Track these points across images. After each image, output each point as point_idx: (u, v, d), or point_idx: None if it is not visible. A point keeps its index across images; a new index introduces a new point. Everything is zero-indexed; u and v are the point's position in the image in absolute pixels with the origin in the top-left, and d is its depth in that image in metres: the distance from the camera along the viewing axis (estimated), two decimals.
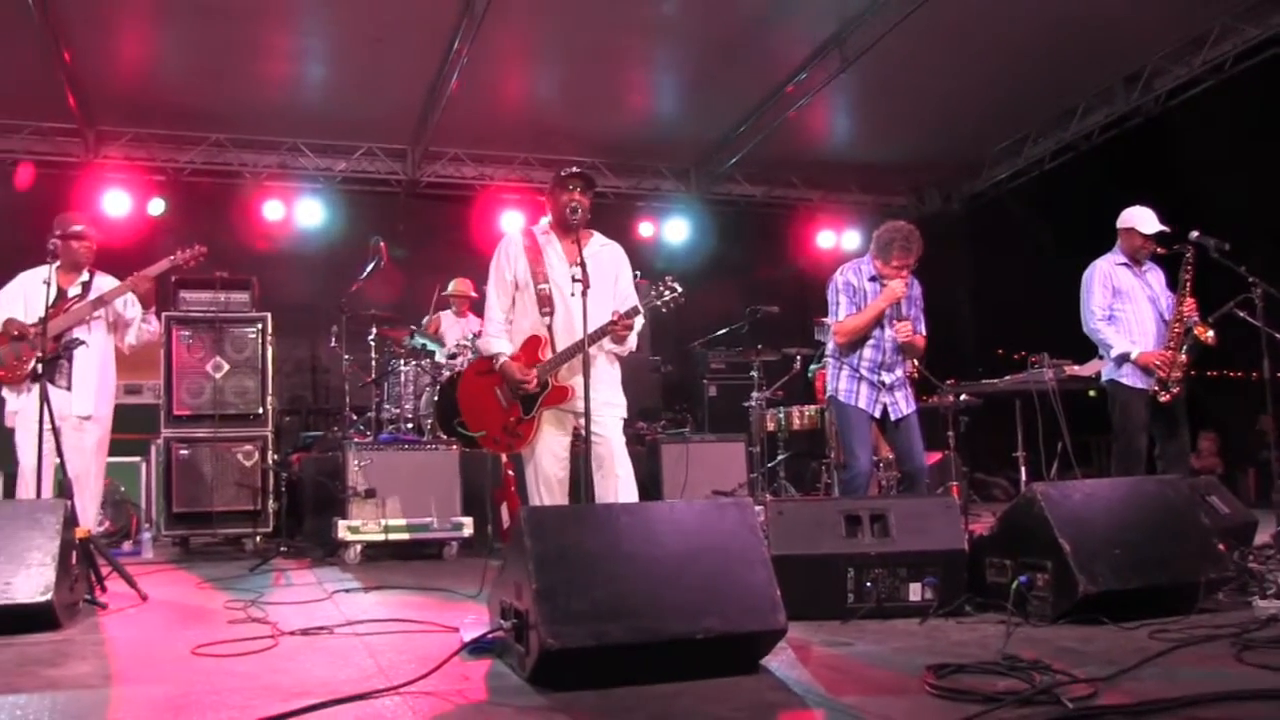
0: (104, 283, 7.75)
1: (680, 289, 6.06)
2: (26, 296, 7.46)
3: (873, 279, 7.28)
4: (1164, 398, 7.56)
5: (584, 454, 6.00)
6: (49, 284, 6.93)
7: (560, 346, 6.14)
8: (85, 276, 7.71)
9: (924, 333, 7.41)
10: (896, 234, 7.16)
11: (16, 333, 7.29)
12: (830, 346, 7.49)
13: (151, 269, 7.69)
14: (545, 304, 6.21)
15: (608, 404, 6.14)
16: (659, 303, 6.07)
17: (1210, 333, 7.54)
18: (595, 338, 5.86)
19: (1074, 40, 11.75)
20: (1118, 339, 7.74)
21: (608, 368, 6.29)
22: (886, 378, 7.25)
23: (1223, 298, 7.65)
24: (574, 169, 6.30)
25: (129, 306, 7.77)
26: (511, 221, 14.45)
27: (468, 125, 13.70)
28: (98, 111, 13.03)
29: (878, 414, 7.26)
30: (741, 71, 12.46)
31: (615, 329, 5.98)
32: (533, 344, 6.24)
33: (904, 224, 7.28)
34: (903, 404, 7.29)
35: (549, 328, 6.19)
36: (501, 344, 6.34)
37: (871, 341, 7.26)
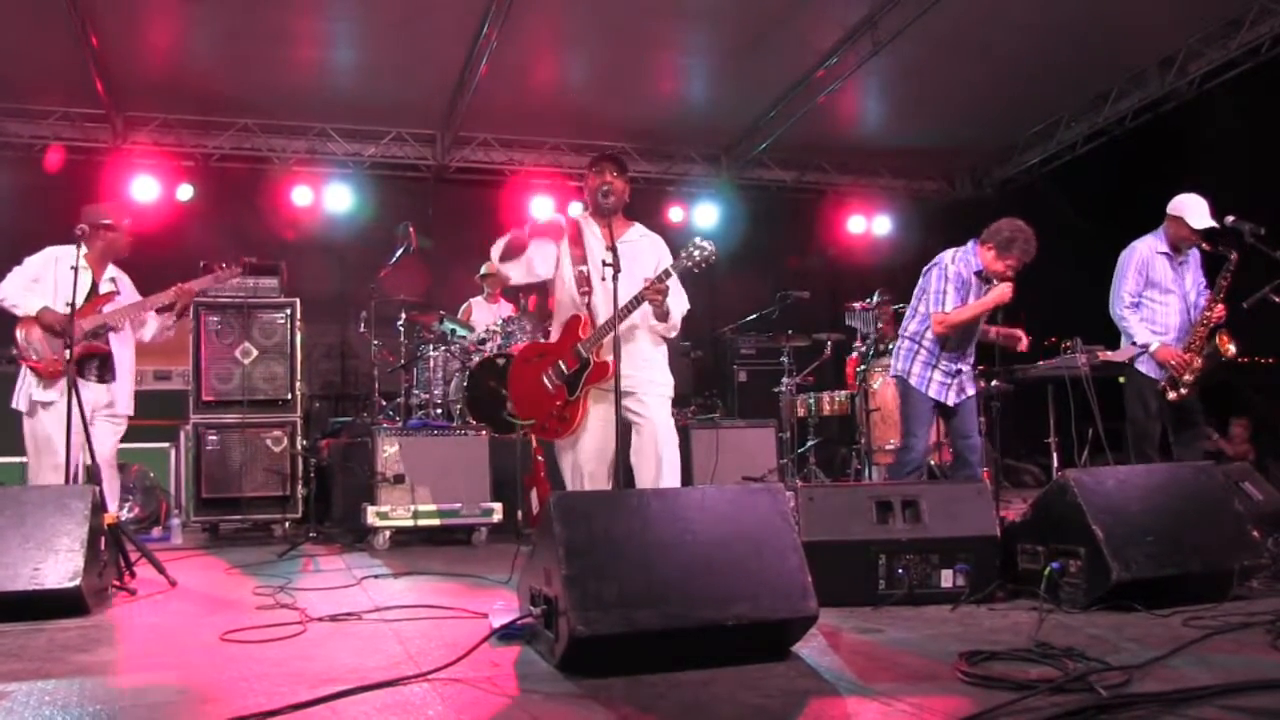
0: (125, 280, 7.90)
1: (710, 246, 5.84)
2: (57, 279, 7.46)
3: (978, 273, 7.29)
4: (1172, 396, 7.57)
5: (623, 435, 5.95)
6: (77, 269, 6.90)
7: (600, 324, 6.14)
8: (114, 271, 7.80)
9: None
10: (1020, 233, 7.16)
11: (51, 325, 7.30)
12: (911, 329, 7.48)
13: (195, 283, 7.92)
14: (584, 284, 6.25)
15: (651, 382, 6.15)
16: (689, 264, 5.88)
17: (1232, 347, 7.51)
18: (631, 308, 5.88)
19: (1107, 23, 11.65)
20: (1140, 329, 7.77)
21: (652, 348, 6.29)
22: (962, 366, 7.35)
23: (1257, 283, 7.58)
24: (607, 153, 6.34)
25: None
26: (541, 207, 14.55)
27: (497, 110, 13.67)
28: (125, 97, 13.06)
29: (948, 401, 7.32)
30: (773, 56, 12.37)
31: (648, 294, 5.88)
32: (573, 323, 6.25)
33: (1025, 224, 7.23)
34: (967, 387, 7.38)
35: (588, 306, 6.22)
36: None
37: (961, 334, 7.31)
